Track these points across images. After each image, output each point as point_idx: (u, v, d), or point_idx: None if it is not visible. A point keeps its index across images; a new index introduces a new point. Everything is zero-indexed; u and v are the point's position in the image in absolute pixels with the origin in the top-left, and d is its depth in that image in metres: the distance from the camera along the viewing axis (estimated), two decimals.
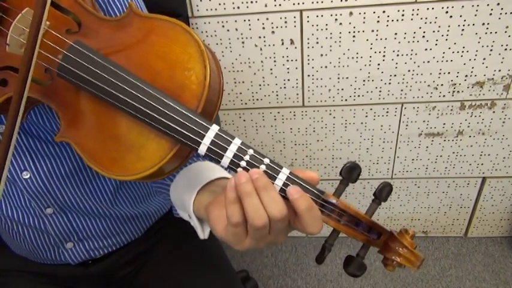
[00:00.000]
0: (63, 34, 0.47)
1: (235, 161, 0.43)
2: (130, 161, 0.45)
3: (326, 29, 1.13)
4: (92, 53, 0.45)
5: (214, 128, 0.43)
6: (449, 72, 1.18)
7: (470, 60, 1.16)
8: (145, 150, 0.45)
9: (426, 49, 1.14)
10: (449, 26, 1.10)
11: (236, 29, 1.15)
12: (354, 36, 1.14)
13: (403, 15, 1.09)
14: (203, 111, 0.44)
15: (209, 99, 0.44)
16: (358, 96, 1.25)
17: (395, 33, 1.12)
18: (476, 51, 1.14)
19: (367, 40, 1.14)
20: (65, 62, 0.45)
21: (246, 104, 1.30)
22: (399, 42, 1.14)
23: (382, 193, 0.47)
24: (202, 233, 0.58)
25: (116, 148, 0.46)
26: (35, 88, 0.48)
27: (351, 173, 0.46)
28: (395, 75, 1.20)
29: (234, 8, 1.12)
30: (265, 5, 1.11)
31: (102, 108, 0.46)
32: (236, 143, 0.43)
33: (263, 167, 0.44)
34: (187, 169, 0.61)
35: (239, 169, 0.44)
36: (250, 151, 0.43)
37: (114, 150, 0.46)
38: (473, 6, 1.07)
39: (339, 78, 1.22)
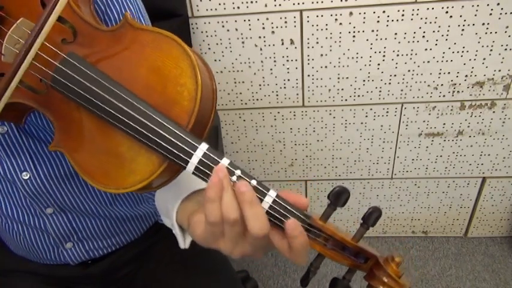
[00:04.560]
0: (58, 45, 0.47)
1: None
2: (121, 174, 0.45)
3: (326, 29, 1.13)
4: (84, 66, 0.45)
5: (203, 147, 0.43)
6: (449, 72, 1.18)
7: (470, 60, 1.16)
8: (136, 164, 0.45)
9: (426, 49, 1.14)
10: (449, 26, 1.10)
11: (236, 29, 1.15)
12: (354, 36, 1.14)
13: (403, 15, 1.09)
14: (194, 127, 0.44)
15: (200, 115, 0.44)
16: (358, 96, 1.25)
17: (395, 33, 1.12)
18: (476, 51, 1.14)
19: (367, 40, 1.14)
20: (57, 74, 0.45)
21: (246, 104, 1.30)
22: (399, 42, 1.14)
23: (371, 218, 0.46)
24: (183, 243, 0.57)
25: (107, 161, 0.46)
26: (30, 95, 0.48)
27: (338, 197, 0.45)
28: (395, 75, 1.20)
29: (234, 8, 1.12)
30: (265, 5, 1.11)
31: (94, 121, 0.46)
32: (224, 163, 0.43)
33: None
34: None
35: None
36: (238, 172, 0.43)
37: (106, 163, 0.46)
38: (473, 6, 1.07)
39: (339, 78, 1.22)
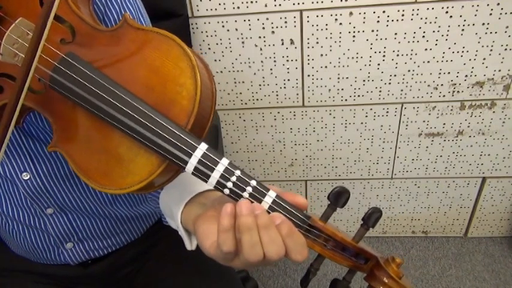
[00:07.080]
0: (57, 44, 0.47)
1: (222, 181, 0.43)
2: (119, 174, 0.45)
3: (326, 29, 1.13)
4: (83, 65, 0.45)
5: (202, 147, 0.42)
6: (449, 72, 1.18)
7: (470, 60, 1.15)
8: (134, 164, 0.45)
9: (426, 49, 1.14)
10: (449, 26, 1.10)
11: (236, 29, 1.15)
12: (354, 36, 1.14)
13: (403, 15, 1.09)
14: (193, 127, 0.43)
15: (200, 115, 0.44)
16: (358, 96, 1.25)
17: (395, 33, 1.12)
18: (476, 51, 1.14)
19: (367, 40, 1.14)
20: (56, 74, 0.45)
21: (246, 104, 1.30)
22: (399, 42, 1.14)
23: (371, 219, 0.46)
24: (190, 245, 0.57)
25: (105, 161, 0.46)
26: (28, 96, 0.47)
27: (338, 198, 0.45)
28: (395, 75, 1.20)
29: (234, 8, 1.12)
30: (265, 5, 1.11)
31: (92, 121, 0.46)
32: (223, 163, 0.43)
33: (249, 189, 0.43)
34: (178, 177, 0.60)
35: (225, 190, 0.43)
36: (237, 172, 0.43)
37: (104, 163, 0.46)
38: (473, 6, 1.07)
39: (339, 78, 1.22)
